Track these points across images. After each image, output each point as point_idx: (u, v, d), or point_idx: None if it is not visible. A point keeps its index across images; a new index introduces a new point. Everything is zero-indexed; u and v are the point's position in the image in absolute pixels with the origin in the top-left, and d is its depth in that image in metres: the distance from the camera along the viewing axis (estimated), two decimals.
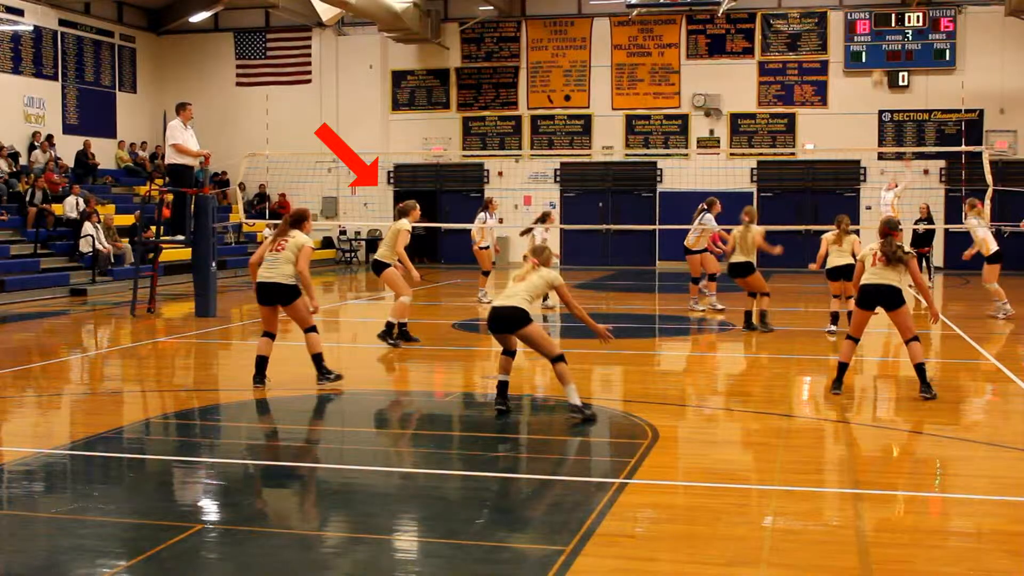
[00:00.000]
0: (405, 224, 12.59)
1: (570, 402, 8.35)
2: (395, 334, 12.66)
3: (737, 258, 14.02)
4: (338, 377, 10.00)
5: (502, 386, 8.64)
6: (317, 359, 9.95)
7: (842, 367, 9.60)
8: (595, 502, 6.18)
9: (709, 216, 16.43)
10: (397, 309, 12.71)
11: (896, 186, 21.23)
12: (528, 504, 6.40)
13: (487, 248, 17.88)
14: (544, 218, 17.10)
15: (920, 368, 9.35)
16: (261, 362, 9.93)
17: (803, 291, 20.20)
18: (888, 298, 9.44)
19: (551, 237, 17.45)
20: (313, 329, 9.96)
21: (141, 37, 29.87)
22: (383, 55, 29.84)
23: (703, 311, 16.18)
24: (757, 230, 14.05)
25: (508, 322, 8.39)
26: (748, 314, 14.13)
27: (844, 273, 13.06)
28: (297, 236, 9.93)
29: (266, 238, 10.75)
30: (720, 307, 16.17)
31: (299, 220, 10.14)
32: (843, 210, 14.19)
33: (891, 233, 9.75)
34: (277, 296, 9.79)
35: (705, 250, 16.46)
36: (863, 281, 9.62)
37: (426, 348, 13.30)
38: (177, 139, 15.24)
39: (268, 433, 8.65)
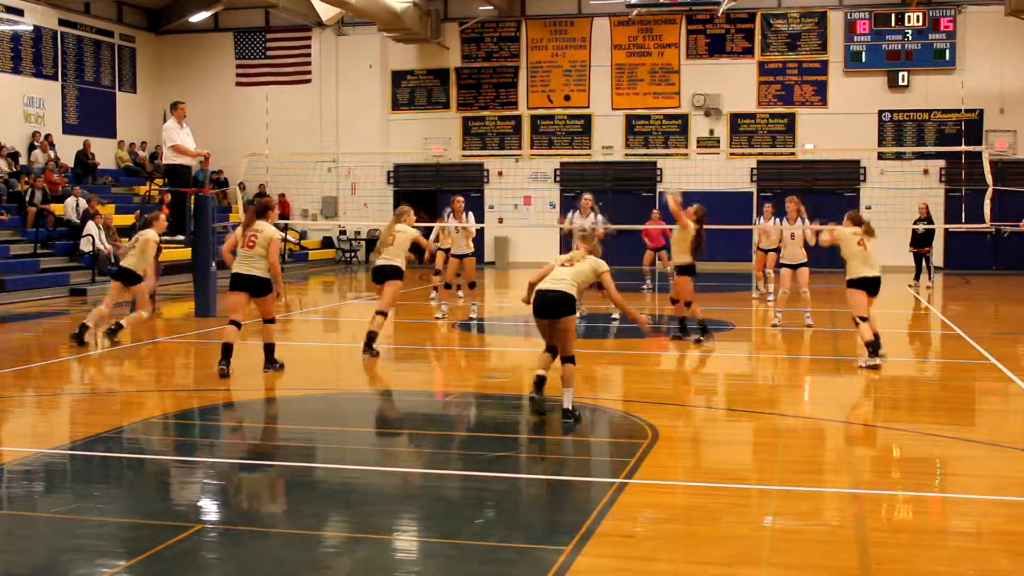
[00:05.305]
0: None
1: (564, 405, 8.26)
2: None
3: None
4: (281, 366, 10.58)
5: (540, 380, 8.38)
6: (269, 348, 10.59)
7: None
8: (595, 502, 6.18)
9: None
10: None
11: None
12: (528, 504, 6.39)
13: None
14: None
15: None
16: (227, 349, 10.28)
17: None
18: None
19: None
20: (272, 321, 10.62)
21: (141, 37, 29.86)
22: (383, 55, 29.83)
23: None
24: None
25: (556, 307, 8.28)
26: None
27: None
28: (265, 229, 10.37)
29: (230, 232, 10.99)
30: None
31: (263, 211, 10.61)
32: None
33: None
34: (250, 286, 10.35)
35: None
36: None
37: (426, 348, 13.30)
38: (175, 140, 15.19)
39: (268, 433, 8.64)
